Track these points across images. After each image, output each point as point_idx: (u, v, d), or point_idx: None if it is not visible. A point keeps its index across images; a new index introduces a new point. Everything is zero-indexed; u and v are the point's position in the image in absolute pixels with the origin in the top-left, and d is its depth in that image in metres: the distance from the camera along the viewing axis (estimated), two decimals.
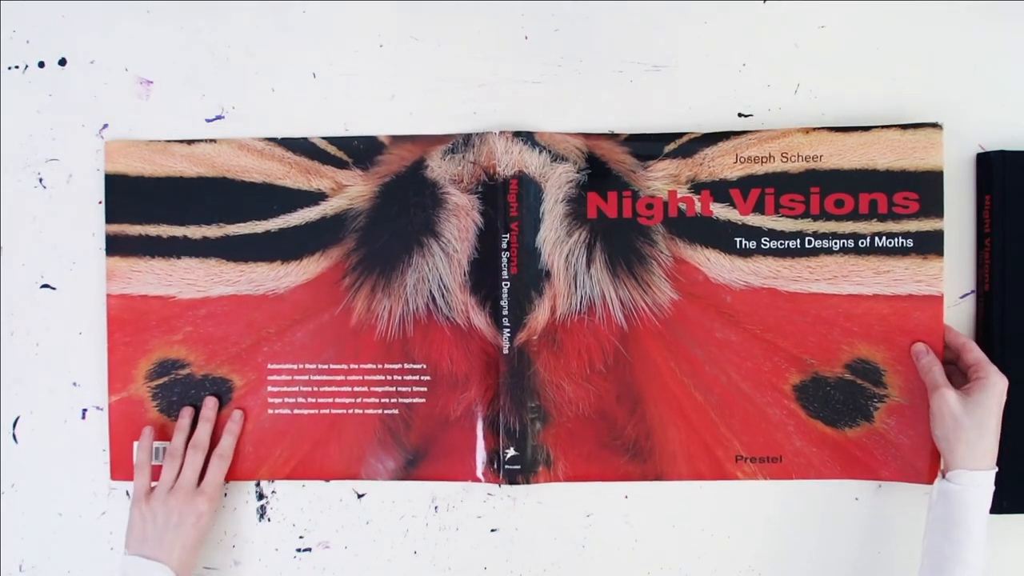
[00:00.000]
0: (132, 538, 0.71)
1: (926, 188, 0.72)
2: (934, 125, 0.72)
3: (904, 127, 0.72)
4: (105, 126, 0.77)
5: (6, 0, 0.77)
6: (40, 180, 0.77)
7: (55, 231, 0.77)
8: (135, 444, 0.75)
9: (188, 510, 0.71)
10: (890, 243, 0.73)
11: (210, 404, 0.75)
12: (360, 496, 0.77)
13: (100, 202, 0.77)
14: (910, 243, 0.72)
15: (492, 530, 0.76)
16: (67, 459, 0.77)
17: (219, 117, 0.76)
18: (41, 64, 0.77)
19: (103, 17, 0.76)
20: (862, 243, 0.73)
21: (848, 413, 0.73)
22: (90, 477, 0.77)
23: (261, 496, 0.77)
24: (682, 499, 0.75)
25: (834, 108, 0.74)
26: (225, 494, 0.76)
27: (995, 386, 0.67)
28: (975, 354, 0.70)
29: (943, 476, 0.68)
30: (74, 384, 0.77)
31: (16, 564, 0.78)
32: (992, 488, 0.66)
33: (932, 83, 0.74)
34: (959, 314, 0.74)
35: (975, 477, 0.66)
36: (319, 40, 0.76)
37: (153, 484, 0.73)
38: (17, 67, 0.77)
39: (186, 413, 0.75)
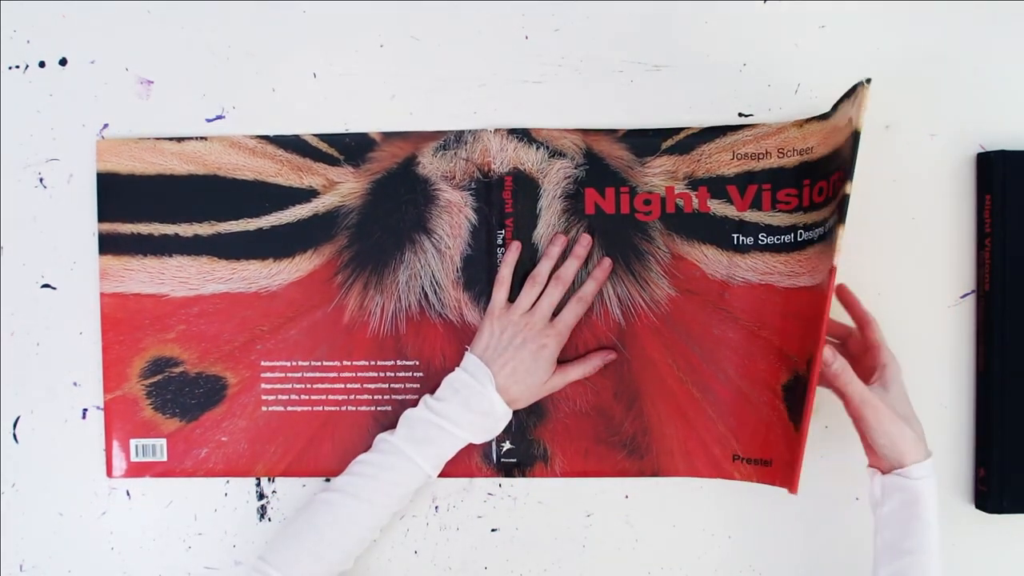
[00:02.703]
0: (478, 344, 0.71)
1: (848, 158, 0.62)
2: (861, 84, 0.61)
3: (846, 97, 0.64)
4: (105, 126, 0.77)
5: (6, 0, 0.77)
6: (40, 180, 0.77)
7: (55, 231, 0.77)
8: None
9: (534, 336, 0.70)
10: (814, 235, 0.69)
11: (584, 243, 0.74)
12: None
13: None
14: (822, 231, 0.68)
15: (492, 530, 0.76)
16: (67, 459, 0.77)
17: (219, 117, 0.76)
18: (41, 64, 0.77)
19: (103, 17, 0.77)
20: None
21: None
22: (90, 477, 0.77)
23: (261, 496, 0.77)
24: (683, 499, 0.75)
25: None
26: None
27: (899, 370, 0.66)
28: (878, 334, 0.67)
29: (882, 473, 0.65)
30: (74, 384, 0.77)
31: (16, 564, 0.78)
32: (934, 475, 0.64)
33: (932, 83, 0.74)
34: (959, 314, 0.74)
35: (924, 468, 0.63)
36: (319, 40, 0.76)
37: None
38: (17, 67, 0.77)
39: (558, 241, 0.74)
